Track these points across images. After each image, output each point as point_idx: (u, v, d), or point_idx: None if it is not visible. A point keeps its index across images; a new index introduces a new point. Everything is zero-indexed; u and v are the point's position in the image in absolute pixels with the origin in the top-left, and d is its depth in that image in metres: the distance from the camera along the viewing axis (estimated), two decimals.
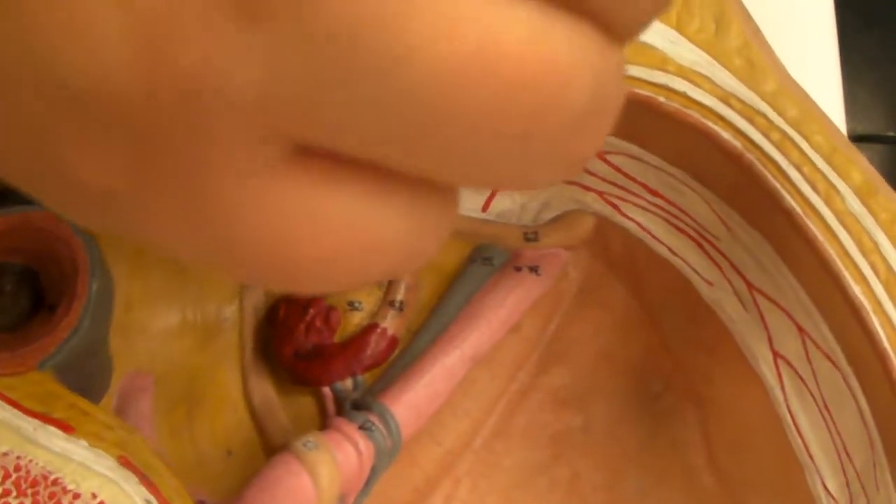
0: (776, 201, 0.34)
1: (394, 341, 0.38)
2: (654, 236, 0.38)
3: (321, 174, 0.16)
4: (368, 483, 0.36)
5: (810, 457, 0.36)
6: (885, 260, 0.33)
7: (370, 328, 0.38)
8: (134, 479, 0.28)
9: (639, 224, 0.38)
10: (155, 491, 0.29)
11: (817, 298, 0.34)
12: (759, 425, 0.37)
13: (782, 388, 0.37)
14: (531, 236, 0.39)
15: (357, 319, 0.39)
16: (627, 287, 0.40)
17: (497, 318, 0.38)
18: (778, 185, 0.34)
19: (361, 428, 0.35)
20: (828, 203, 0.34)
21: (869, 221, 0.33)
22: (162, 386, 0.39)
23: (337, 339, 0.39)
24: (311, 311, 0.39)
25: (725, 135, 0.34)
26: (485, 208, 0.40)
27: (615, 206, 0.38)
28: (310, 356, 0.38)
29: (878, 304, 0.33)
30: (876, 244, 0.33)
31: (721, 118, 0.34)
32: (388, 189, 0.16)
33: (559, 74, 0.15)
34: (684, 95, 0.35)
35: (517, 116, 0.15)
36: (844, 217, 0.33)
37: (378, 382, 0.38)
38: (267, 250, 0.16)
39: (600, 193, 0.38)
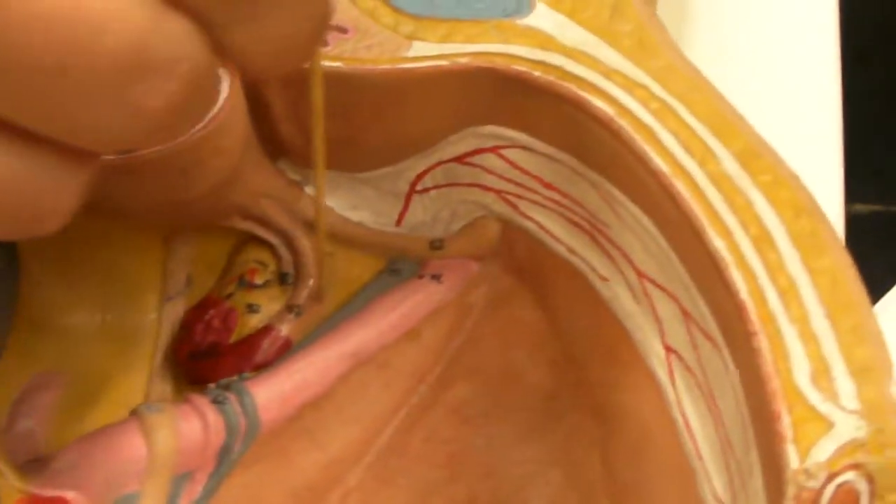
0: (645, 164, 0.30)
1: (287, 344, 0.36)
2: (553, 236, 0.35)
3: None
4: (222, 463, 0.32)
5: (700, 458, 0.31)
6: (757, 218, 0.29)
7: (265, 330, 0.36)
8: None
9: (538, 224, 0.35)
10: None
11: (690, 266, 0.30)
12: (656, 433, 0.32)
13: (674, 386, 0.32)
14: (437, 244, 0.37)
15: (255, 322, 0.36)
16: (535, 297, 0.36)
17: (387, 320, 0.35)
18: (647, 148, 0.30)
19: (214, 401, 0.32)
20: (702, 166, 0.30)
21: (745, 182, 0.30)
22: (71, 386, 0.37)
23: (234, 340, 0.36)
24: (211, 311, 0.36)
25: (599, 103, 0.31)
26: (398, 222, 0.37)
27: (514, 206, 0.35)
28: (204, 356, 0.36)
29: (741, 257, 0.28)
30: (749, 202, 0.29)
31: (597, 90, 0.32)
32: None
33: (90, 20, 0.16)
34: (561, 69, 0.32)
35: (47, 50, 0.16)
36: (718, 178, 0.30)
37: None
38: None
39: (499, 192, 0.35)
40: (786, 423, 0.26)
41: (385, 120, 0.34)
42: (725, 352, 0.29)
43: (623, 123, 0.31)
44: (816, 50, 0.54)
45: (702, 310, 0.30)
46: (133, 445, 0.31)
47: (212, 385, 0.35)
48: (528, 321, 0.36)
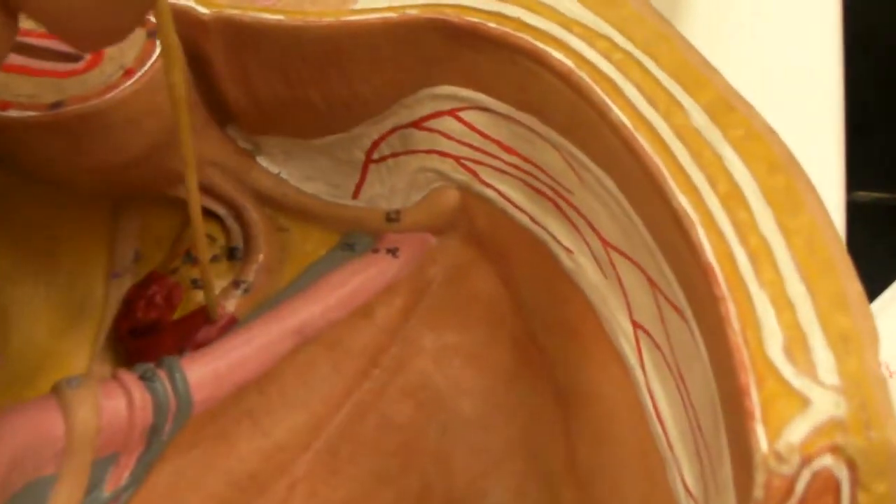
0: (606, 118, 0.26)
1: (232, 322, 0.31)
2: (514, 204, 0.30)
3: None
4: (151, 446, 0.28)
5: (669, 446, 0.26)
6: (727, 173, 0.24)
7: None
8: None
9: (499, 192, 0.31)
10: None
11: (655, 229, 0.26)
12: (622, 415, 0.28)
13: (642, 365, 0.27)
14: (393, 216, 0.32)
15: (200, 297, 0.32)
16: (495, 271, 0.32)
17: (335, 296, 0.31)
18: (608, 101, 0.26)
19: (142, 378, 0.28)
20: (667, 119, 0.25)
21: (715, 136, 0.25)
22: (11, 363, 0.32)
23: (178, 316, 0.32)
24: (154, 287, 0.32)
25: (557, 55, 0.27)
26: (355, 195, 0.33)
27: (474, 174, 0.31)
28: (145, 333, 0.31)
29: (708, 215, 0.24)
30: (718, 157, 0.24)
31: (556, 41, 0.27)
32: None
33: None
34: (518, 20, 0.28)
35: None
36: (684, 131, 0.25)
37: None
38: None
39: (458, 159, 0.31)
40: (754, 400, 0.21)
41: (330, 78, 0.29)
42: (693, 322, 0.24)
43: (582, 76, 0.26)
44: (818, 36, 0.50)
45: (668, 277, 0.25)
46: (50, 423, 0.26)
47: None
48: (488, 297, 0.32)
